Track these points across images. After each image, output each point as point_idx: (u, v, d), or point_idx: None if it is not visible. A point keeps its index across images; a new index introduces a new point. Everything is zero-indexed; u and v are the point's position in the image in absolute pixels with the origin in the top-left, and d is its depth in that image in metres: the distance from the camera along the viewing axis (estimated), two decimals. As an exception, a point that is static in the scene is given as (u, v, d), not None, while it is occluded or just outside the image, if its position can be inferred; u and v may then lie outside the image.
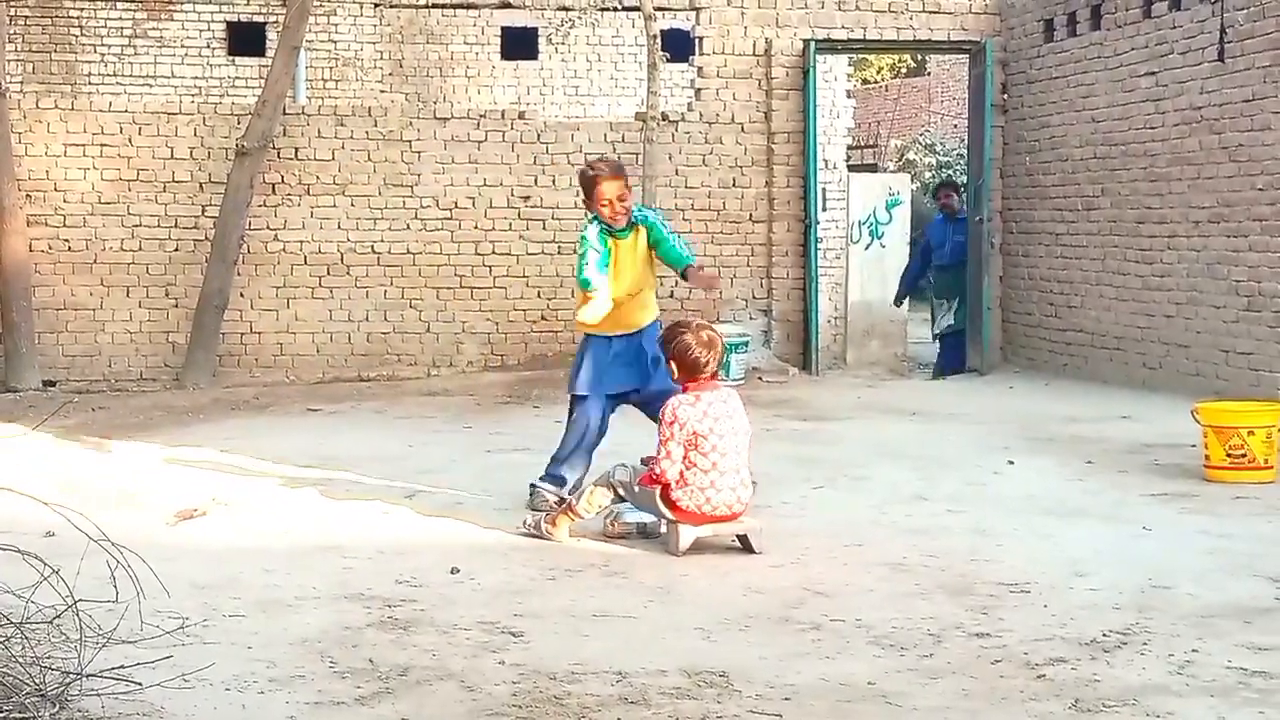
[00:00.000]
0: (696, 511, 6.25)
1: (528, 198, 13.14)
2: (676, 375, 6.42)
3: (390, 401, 11.40)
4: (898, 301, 14.09)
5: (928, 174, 24.54)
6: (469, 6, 17.40)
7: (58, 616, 4.56)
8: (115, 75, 18.69)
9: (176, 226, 12.77)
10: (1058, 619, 5.17)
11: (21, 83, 18.00)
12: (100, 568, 4.71)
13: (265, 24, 18.59)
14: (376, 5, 18.44)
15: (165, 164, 12.76)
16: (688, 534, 6.25)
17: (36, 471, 8.02)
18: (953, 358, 13.75)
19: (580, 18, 14.48)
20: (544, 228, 13.16)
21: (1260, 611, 5.25)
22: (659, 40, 13.27)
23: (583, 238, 7.15)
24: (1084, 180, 12.24)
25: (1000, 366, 13.24)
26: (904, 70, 35.54)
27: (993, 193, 13.32)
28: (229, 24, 18.96)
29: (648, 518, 6.52)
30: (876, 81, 34.79)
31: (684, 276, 7.19)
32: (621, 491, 6.45)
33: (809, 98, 13.23)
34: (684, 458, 6.24)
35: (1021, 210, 13.26)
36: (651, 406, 6.94)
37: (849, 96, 19.60)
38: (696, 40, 13.43)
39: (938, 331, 14.08)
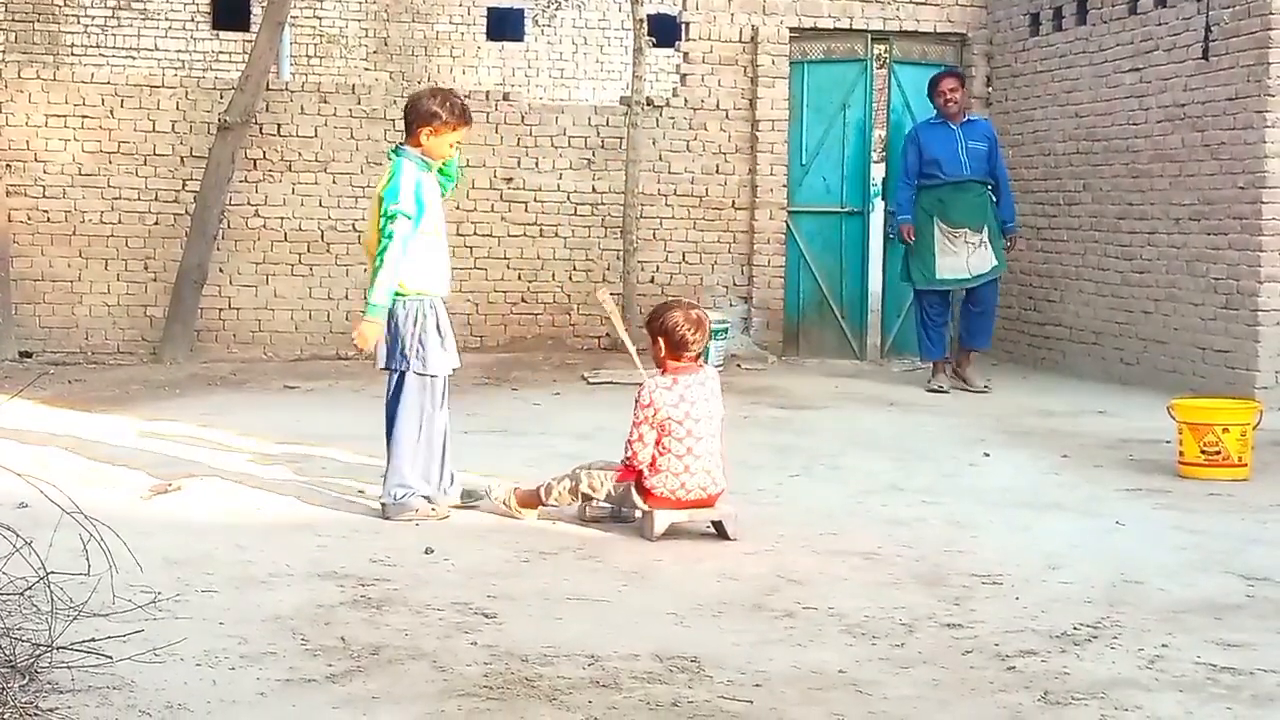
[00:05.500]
0: (670, 497, 6.25)
1: (510, 179, 13.12)
2: (661, 354, 6.38)
3: (368, 380, 11.35)
4: (900, 233, 11.45)
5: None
6: (455, -14, 17.37)
7: (29, 588, 4.55)
8: (98, 47, 18.62)
9: (157, 200, 12.71)
10: (1029, 611, 5.19)
11: (3, 52, 17.92)
12: (73, 540, 4.70)
13: (250, -2, 18.52)
14: (362, -18, 18.39)
15: (147, 137, 12.69)
16: (663, 519, 6.26)
17: (10, 443, 8.00)
18: (982, 319, 11.48)
19: (566, 0, 14.45)
20: (526, 210, 13.14)
21: (1230, 608, 5.28)
22: (645, 25, 13.26)
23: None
24: (1066, 175, 12.27)
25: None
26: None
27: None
28: (213, -2, 18.88)
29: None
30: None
31: None
32: (591, 494, 6.43)
33: (794, 86, 13.25)
34: (657, 443, 6.23)
35: (1003, 203, 13.27)
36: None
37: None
38: (683, 25, 13.39)
39: (969, 276, 11.25)
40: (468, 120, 6.73)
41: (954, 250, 11.19)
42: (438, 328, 6.67)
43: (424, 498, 6.62)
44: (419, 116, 6.59)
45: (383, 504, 6.62)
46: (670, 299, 6.72)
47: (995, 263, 11.26)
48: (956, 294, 11.69)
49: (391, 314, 6.55)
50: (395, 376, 6.65)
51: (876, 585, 5.57)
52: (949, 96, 11.30)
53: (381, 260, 6.44)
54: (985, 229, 11.21)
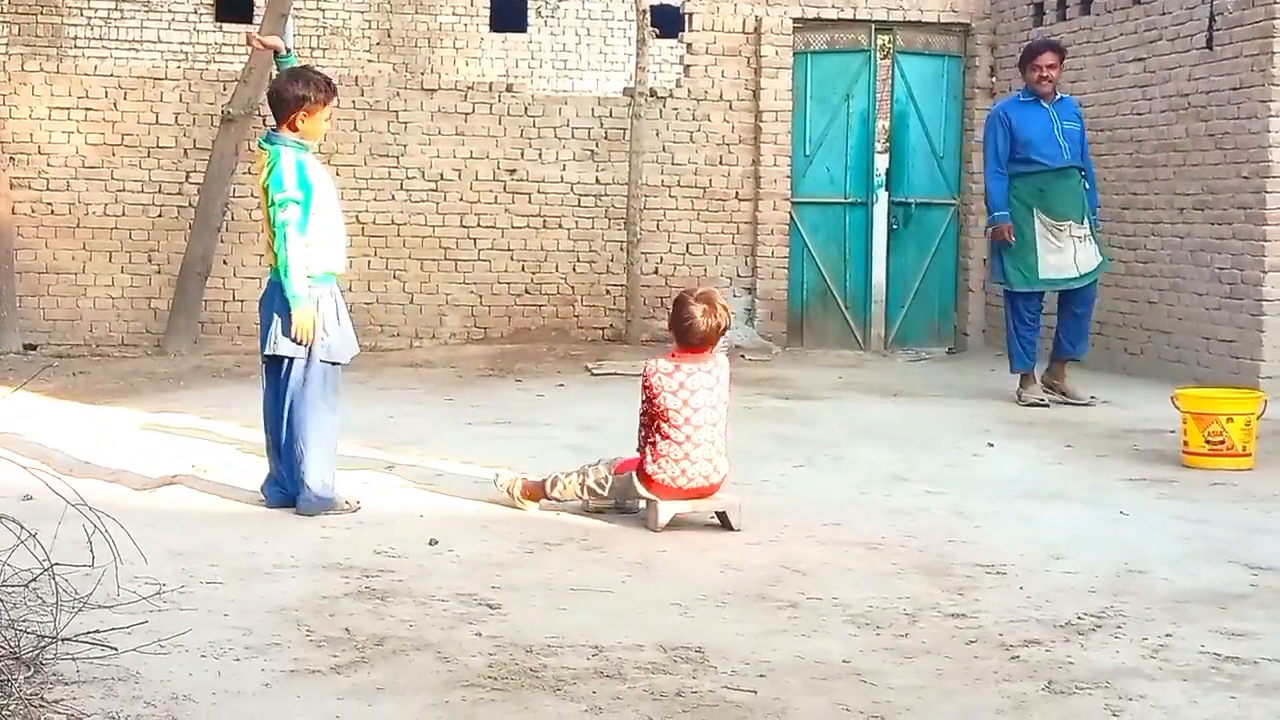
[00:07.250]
0: (671, 484, 6.24)
1: (514, 171, 13.12)
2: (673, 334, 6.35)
3: (372, 372, 11.37)
4: (997, 232, 9.89)
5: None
6: (458, -23, 17.34)
7: (34, 580, 4.55)
8: (101, 39, 18.59)
9: (160, 192, 12.71)
10: (1033, 601, 5.20)
11: (6, 44, 17.90)
12: (78, 532, 4.70)
13: (253, -10, 18.48)
14: (365, -26, 18.37)
15: (150, 129, 12.70)
16: (666, 510, 6.26)
17: (15, 435, 8.01)
18: (1084, 321, 10.14)
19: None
20: (529, 201, 13.14)
21: (1234, 597, 5.28)
22: (648, 15, 13.26)
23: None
24: (1070, 165, 12.24)
25: (982, 349, 13.26)
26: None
27: (978, 175, 13.32)
28: (217, -11, 18.84)
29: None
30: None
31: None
32: (598, 490, 6.43)
33: (798, 76, 13.24)
34: (656, 429, 6.24)
35: (1007, 193, 13.24)
36: None
37: (838, 76, 19.56)
38: (686, 16, 13.39)
39: (1077, 275, 9.92)
40: (335, 92, 6.70)
41: (1059, 246, 9.83)
42: (336, 311, 6.61)
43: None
44: (289, 102, 6.52)
45: (301, 500, 6.46)
46: (686, 288, 6.64)
47: (1100, 259, 10.03)
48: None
49: (292, 299, 6.43)
50: (291, 363, 6.49)
51: (880, 575, 5.57)
52: (1045, 73, 9.86)
53: (284, 251, 6.40)
54: (1087, 221, 9.92)
